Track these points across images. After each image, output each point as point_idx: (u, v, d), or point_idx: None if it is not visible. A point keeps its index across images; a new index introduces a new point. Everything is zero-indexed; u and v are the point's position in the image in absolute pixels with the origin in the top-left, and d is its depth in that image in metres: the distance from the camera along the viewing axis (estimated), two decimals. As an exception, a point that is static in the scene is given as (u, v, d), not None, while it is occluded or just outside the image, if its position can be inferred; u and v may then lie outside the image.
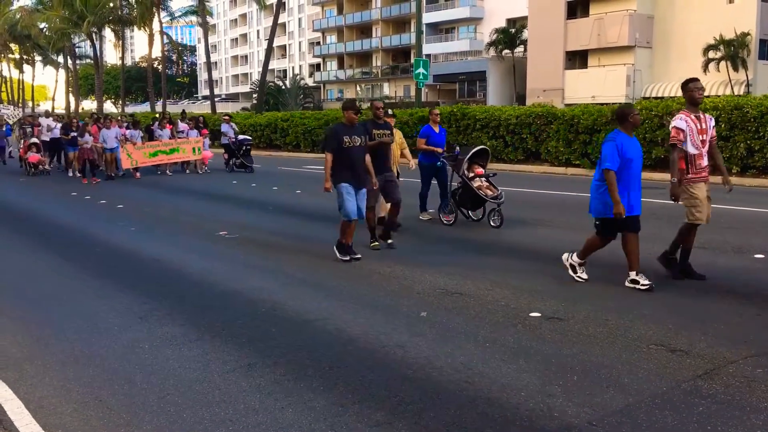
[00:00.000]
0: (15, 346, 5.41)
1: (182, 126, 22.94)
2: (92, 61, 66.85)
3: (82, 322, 5.98)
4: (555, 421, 3.86)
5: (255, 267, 8.11)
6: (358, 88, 75.37)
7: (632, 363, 4.70)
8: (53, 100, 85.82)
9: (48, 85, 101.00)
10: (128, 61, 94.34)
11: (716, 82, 39.01)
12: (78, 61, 76.42)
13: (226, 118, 23.03)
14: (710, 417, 3.86)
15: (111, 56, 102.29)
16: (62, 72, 79.75)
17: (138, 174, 20.24)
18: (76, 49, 72.86)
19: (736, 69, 38.32)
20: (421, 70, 25.11)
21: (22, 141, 23.28)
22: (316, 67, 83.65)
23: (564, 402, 4.09)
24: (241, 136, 22.03)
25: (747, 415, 3.88)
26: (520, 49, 52.69)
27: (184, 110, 31.30)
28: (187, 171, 21.69)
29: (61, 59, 76.59)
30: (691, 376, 4.45)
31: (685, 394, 4.19)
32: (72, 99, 73.90)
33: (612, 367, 4.64)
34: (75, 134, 20.01)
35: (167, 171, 21.19)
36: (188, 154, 21.21)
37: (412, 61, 33.81)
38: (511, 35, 52.99)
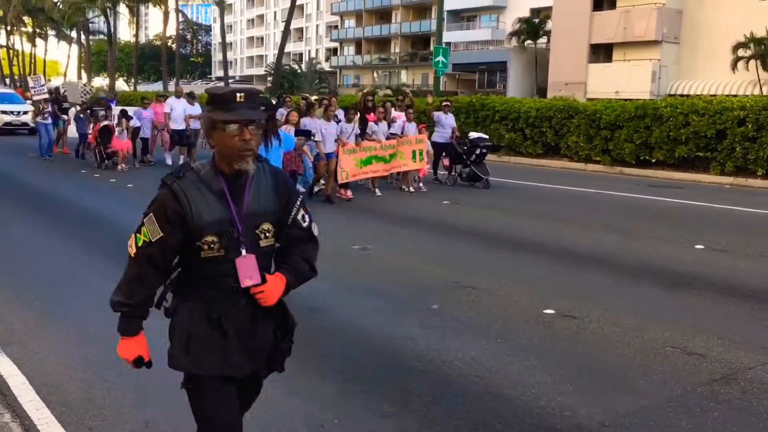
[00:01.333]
0: (20, 322, 5.48)
1: (397, 115, 14.51)
2: (105, 37, 67.23)
3: (90, 303, 6.02)
4: (566, 420, 3.87)
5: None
6: (375, 75, 75.21)
7: (647, 365, 4.70)
8: (65, 75, 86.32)
9: (60, 60, 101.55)
10: (142, 39, 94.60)
11: (745, 82, 38.56)
12: (91, 37, 76.76)
13: (447, 104, 15.39)
14: (725, 422, 3.86)
15: (125, 33, 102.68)
16: (75, 47, 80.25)
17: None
18: (90, 25, 73.19)
19: (765, 69, 37.83)
20: (440, 58, 25.00)
21: (92, 125, 17.39)
22: (333, 52, 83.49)
23: (576, 401, 4.10)
24: (474, 134, 15.16)
25: (764, 422, 3.87)
26: (543, 40, 52.29)
27: (404, 89, 20.11)
28: (376, 191, 13.22)
29: (74, 34, 76.98)
30: (708, 381, 4.43)
31: (700, 398, 4.18)
32: (84, 75, 74.30)
33: (626, 368, 4.64)
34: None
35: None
36: (407, 161, 13.53)
37: (432, 48, 33.72)
38: (534, 26, 52.62)
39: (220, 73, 67.42)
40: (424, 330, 5.36)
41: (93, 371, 4.50)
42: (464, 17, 64.45)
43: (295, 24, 73.65)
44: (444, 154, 14.98)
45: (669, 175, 17.00)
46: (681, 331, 5.39)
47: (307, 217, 2.69)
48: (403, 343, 5.06)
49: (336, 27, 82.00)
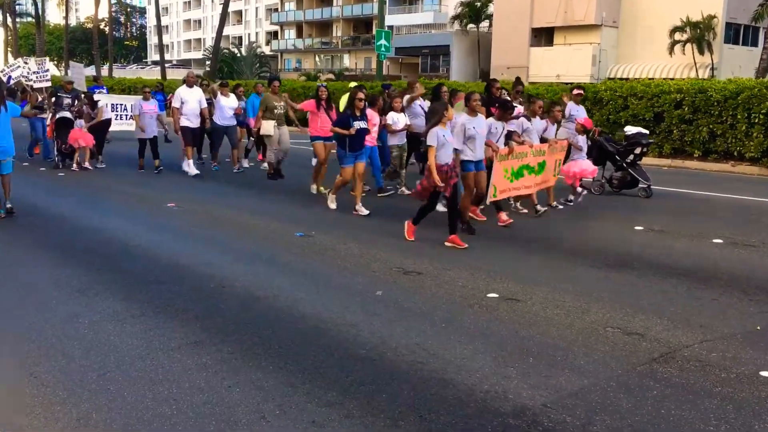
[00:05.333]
0: (-57, 318, 5.25)
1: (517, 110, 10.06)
2: (33, 20, 64.84)
3: (18, 295, 5.82)
4: (509, 402, 3.91)
5: (204, 241, 8.00)
6: (318, 59, 74.63)
7: (588, 346, 4.79)
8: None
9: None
10: (72, 21, 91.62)
11: (681, 65, 39.68)
12: (18, 19, 73.95)
13: (579, 92, 12.11)
14: (664, 400, 3.96)
15: (54, 15, 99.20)
16: (1, 30, 77.16)
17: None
18: (17, 6, 70.41)
19: (701, 52, 38.98)
20: (383, 41, 24.93)
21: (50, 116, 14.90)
22: (273, 35, 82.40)
23: (519, 384, 4.14)
24: (631, 128, 12.34)
25: (701, 399, 3.98)
26: (486, 23, 52.72)
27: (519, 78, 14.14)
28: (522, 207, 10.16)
29: (0, 16, 74.02)
30: (647, 360, 4.54)
31: (640, 377, 4.28)
32: (11, 59, 71.60)
33: (568, 349, 4.72)
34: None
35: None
36: (549, 174, 10.13)
37: (374, 32, 33.64)
38: (476, 9, 52.94)
39: (156, 57, 65.87)
40: (368, 317, 5.34)
41: (22, 367, 4.34)
42: (406, 0, 64.40)
43: (233, 6, 72.46)
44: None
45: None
46: (621, 312, 5.51)
47: None
48: (346, 331, 5.04)
49: (276, 9, 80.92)
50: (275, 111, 12.63)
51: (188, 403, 3.88)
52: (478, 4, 53.23)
